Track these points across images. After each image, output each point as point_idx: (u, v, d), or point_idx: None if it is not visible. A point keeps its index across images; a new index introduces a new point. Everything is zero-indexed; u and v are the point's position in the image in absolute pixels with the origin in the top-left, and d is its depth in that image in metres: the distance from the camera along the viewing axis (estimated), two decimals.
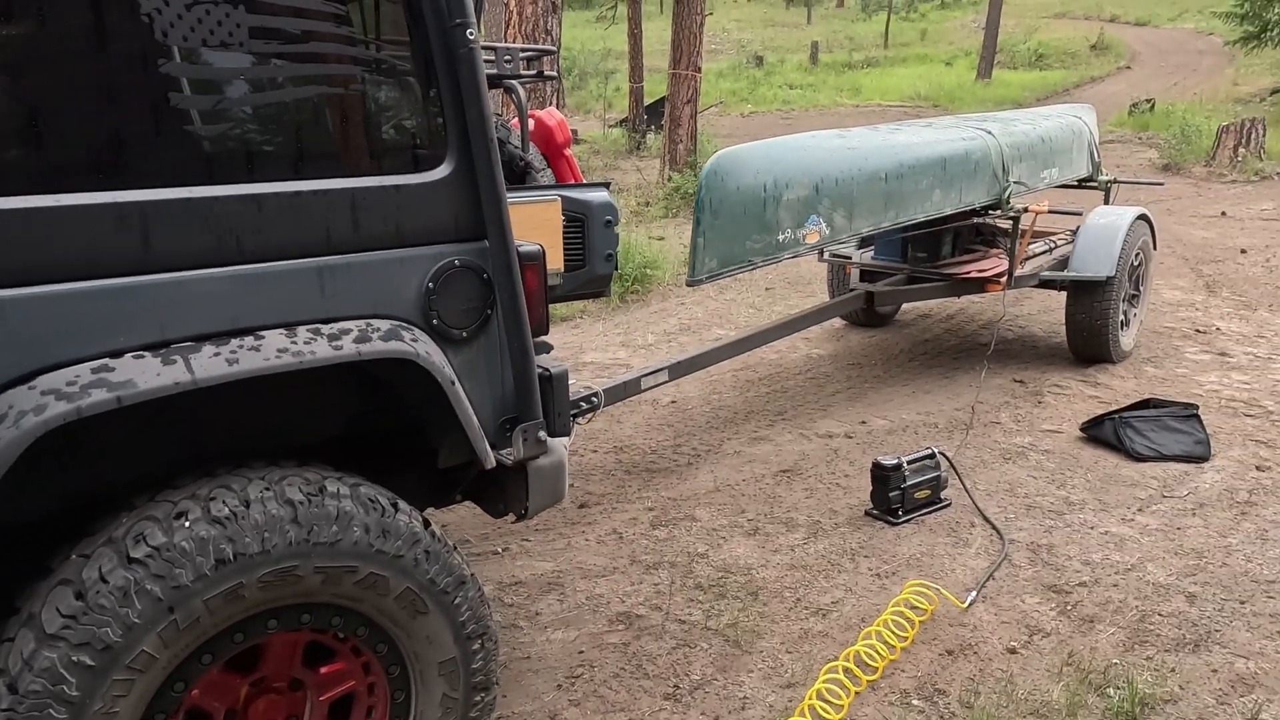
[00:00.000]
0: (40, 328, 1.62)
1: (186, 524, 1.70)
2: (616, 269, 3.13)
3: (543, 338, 2.33)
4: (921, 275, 5.39)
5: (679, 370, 4.07)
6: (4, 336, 1.59)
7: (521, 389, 2.19)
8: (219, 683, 1.83)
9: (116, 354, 1.69)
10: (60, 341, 1.64)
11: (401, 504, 1.98)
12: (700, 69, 11.57)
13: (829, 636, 2.96)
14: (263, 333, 1.83)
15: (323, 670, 1.97)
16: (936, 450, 3.86)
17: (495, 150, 2.07)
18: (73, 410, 1.58)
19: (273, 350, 1.80)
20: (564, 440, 2.37)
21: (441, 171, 2.05)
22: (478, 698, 2.10)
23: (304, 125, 1.93)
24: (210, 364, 1.73)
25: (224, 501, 1.75)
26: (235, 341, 1.79)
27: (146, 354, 1.71)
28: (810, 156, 4.11)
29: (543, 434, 2.23)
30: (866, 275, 5.65)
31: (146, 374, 1.67)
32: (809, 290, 7.52)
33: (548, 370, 2.29)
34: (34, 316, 1.61)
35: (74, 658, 1.58)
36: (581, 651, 2.89)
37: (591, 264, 3.01)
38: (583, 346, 6.13)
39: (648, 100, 15.69)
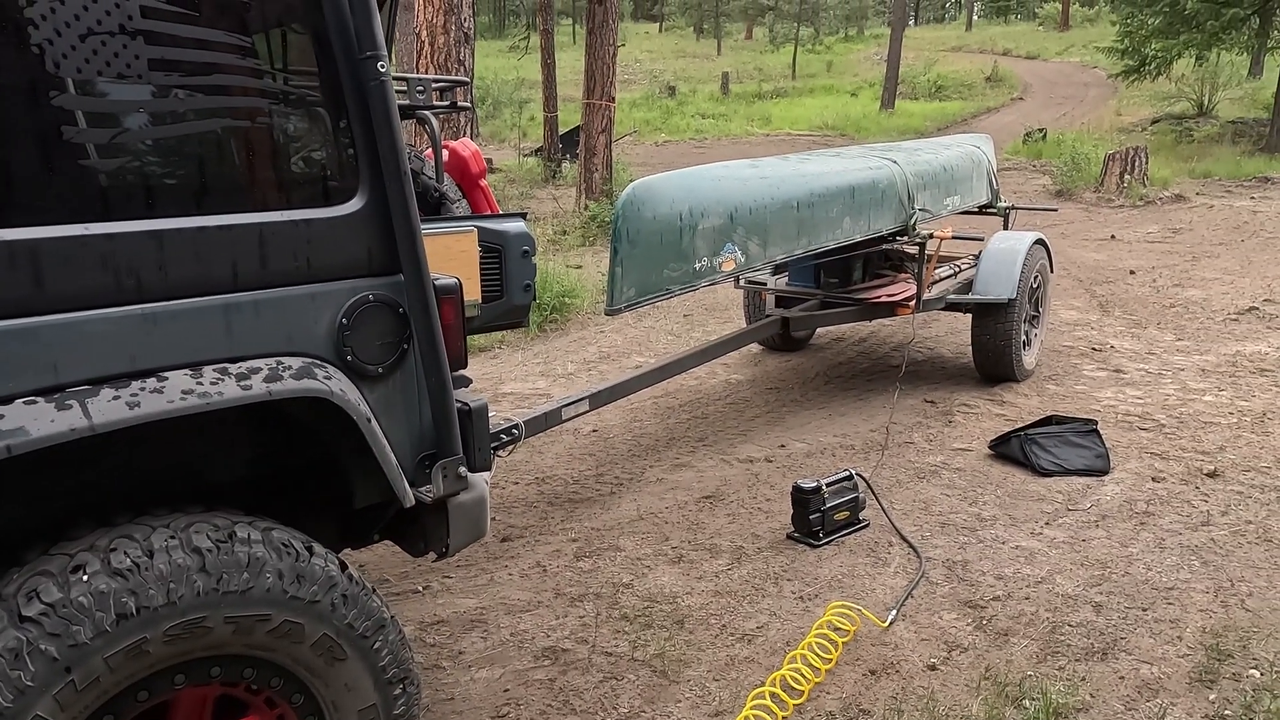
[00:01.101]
0: None
1: (84, 578, 1.61)
2: (535, 299, 3.13)
3: (461, 371, 2.30)
4: (834, 300, 5.52)
5: (600, 399, 4.07)
6: None
7: (440, 425, 2.15)
8: None
9: (6, 400, 1.60)
10: None
11: (317, 547, 1.92)
12: (614, 99, 11.69)
13: (755, 662, 2.97)
14: (166, 374, 1.76)
15: None
16: (854, 472, 3.94)
17: (409, 183, 2.05)
18: None
19: (177, 392, 1.73)
20: (485, 475, 2.34)
21: (353, 205, 2.01)
22: None
23: (207, 159, 1.87)
24: (109, 408, 1.65)
25: (125, 552, 1.66)
26: (136, 384, 1.71)
27: (39, 399, 1.62)
28: (724, 186, 4.18)
29: (463, 470, 2.20)
30: (782, 301, 5.76)
31: (40, 420, 1.58)
32: (726, 316, 7.62)
33: (467, 404, 2.26)
34: None
35: None
36: (507, 690, 2.84)
37: (509, 294, 2.99)
38: (501, 377, 6.07)
39: (562, 129, 15.77)
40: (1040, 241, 5.78)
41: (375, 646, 1.95)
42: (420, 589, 3.45)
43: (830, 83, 32.24)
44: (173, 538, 1.72)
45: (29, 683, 1.52)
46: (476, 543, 2.87)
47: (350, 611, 1.90)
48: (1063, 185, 14.20)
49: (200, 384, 1.76)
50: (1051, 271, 6.07)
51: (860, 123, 23.36)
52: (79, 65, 1.67)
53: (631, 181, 3.89)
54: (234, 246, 1.85)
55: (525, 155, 16.74)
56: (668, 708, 2.75)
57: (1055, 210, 8.34)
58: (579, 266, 9.03)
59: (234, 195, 1.89)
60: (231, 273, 1.85)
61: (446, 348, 2.14)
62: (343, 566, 1.95)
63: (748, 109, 26.85)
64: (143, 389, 1.71)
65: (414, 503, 2.10)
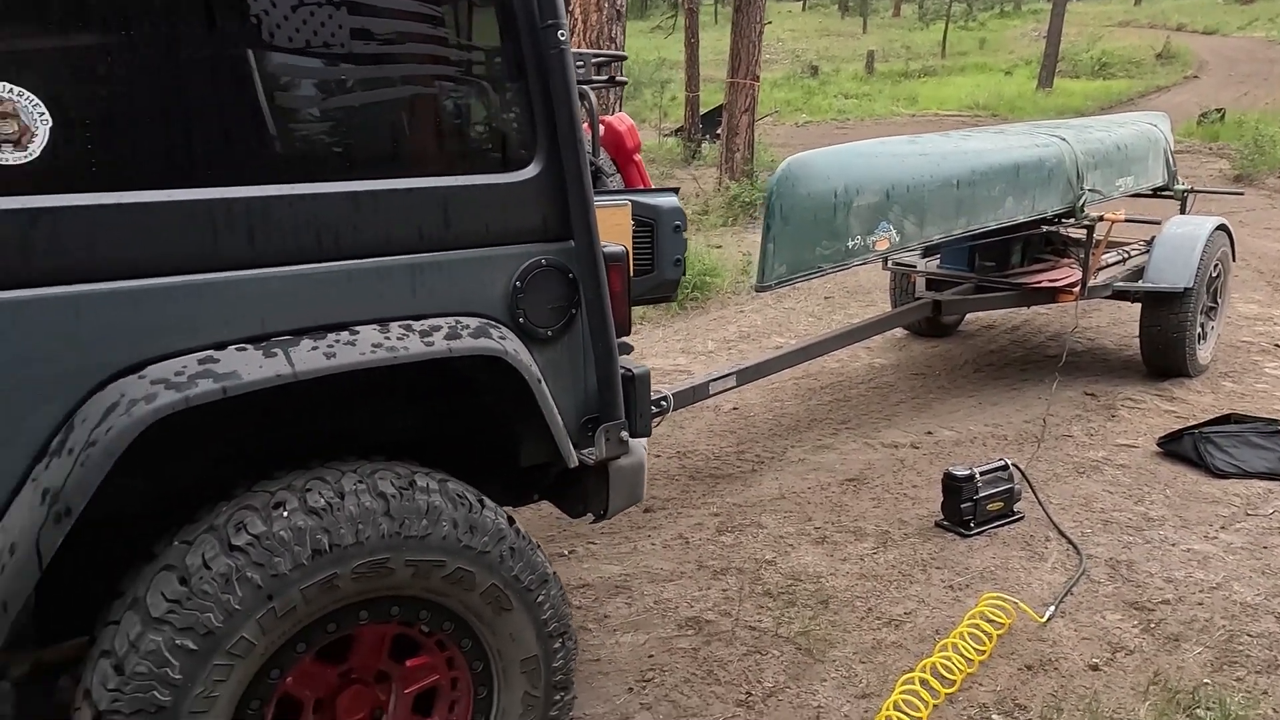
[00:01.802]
0: (150, 318, 1.67)
1: (285, 514, 1.73)
2: (684, 274, 3.13)
3: (624, 339, 2.34)
4: (990, 284, 5.30)
5: (747, 376, 4.05)
6: (117, 325, 1.64)
7: (605, 389, 2.19)
8: (311, 672, 1.86)
9: (220, 346, 1.73)
10: (168, 332, 1.69)
11: (488, 501, 2.00)
12: (759, 78, 11.54)
13: (903, 647, 2.91)
14: (357, 328, 1.86)
15: (408, 663, 1.98)
16: (1010, 462, 3.78)
17: (583, 150, 2.09)
18: (181, 399, 1.62)
19: (368, 345, 1.82)
20: (643, 441, 2.37)
21: (530, 171, 2.06)
22: (557, 697, 2.10)
23: (399, 125, 1.96)
24: (309, 357, 1.76)
25: (320, 493, 1.77)
26: (331, 336, 1.82)
27: (249, 347, 1.74)
28: (881, 163, 4.07)
29: (625, 434, 2.23)
30: (933, 284, 5.57)
31: (249, 366, 1.70)
32: (868, 300, 7.44)
33: (630, 371, 2.29)
34: (145, 307, 1.66)
35: (178, 641, 1.62)
36: (651, 655, 2.88)
37: (660, 269, 3.01)
38: (642, 352, 6.13)
39: (703, 109, 15.70)
40: (1223, 227, 5.36)
41: (539, 600, 2.01)
42: (566, 553, 3.54)
43: (983, 61, 30.80)
44: (360, 482, 1.82)
45: (237, 606, 1.65)
46: (632, 508, 2.91)
47: (517, 564, 1.97)
48: (1242, 170, 13.11)
49: (388, 338, 1.86)
50: (1234, 260, 5.63)
51: (1015, 102, 22.22)
52: (290, 34, 1.77)
53: (774, 161, 3.84)
54: (420, 209, 1.93)
55: (665, 135, 16.76)
56: (813, 685, 2.73)
57: (1240, 194, 7.71)
58: (719, 246, 9.00)
59: (421, 160, 1.97)
60: (417, 234, 1.93)
61: (613, 314, 2.18)
62: (510, 521, 2.02)
63: (893, 89, 25.99)
64: (337, 341, 1.81)
65: (577, 464, 2.15)
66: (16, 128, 1.55)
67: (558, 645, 2.07)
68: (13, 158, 1.55)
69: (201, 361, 1.68)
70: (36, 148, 1.56)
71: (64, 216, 1.58)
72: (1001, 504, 3.71)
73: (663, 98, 20.26)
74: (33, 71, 1.56)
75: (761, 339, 6.49)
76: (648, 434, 2.35)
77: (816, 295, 7.57)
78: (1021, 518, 3.76)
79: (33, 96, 1.55)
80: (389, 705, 1.98)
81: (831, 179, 3.85)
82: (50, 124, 1.57)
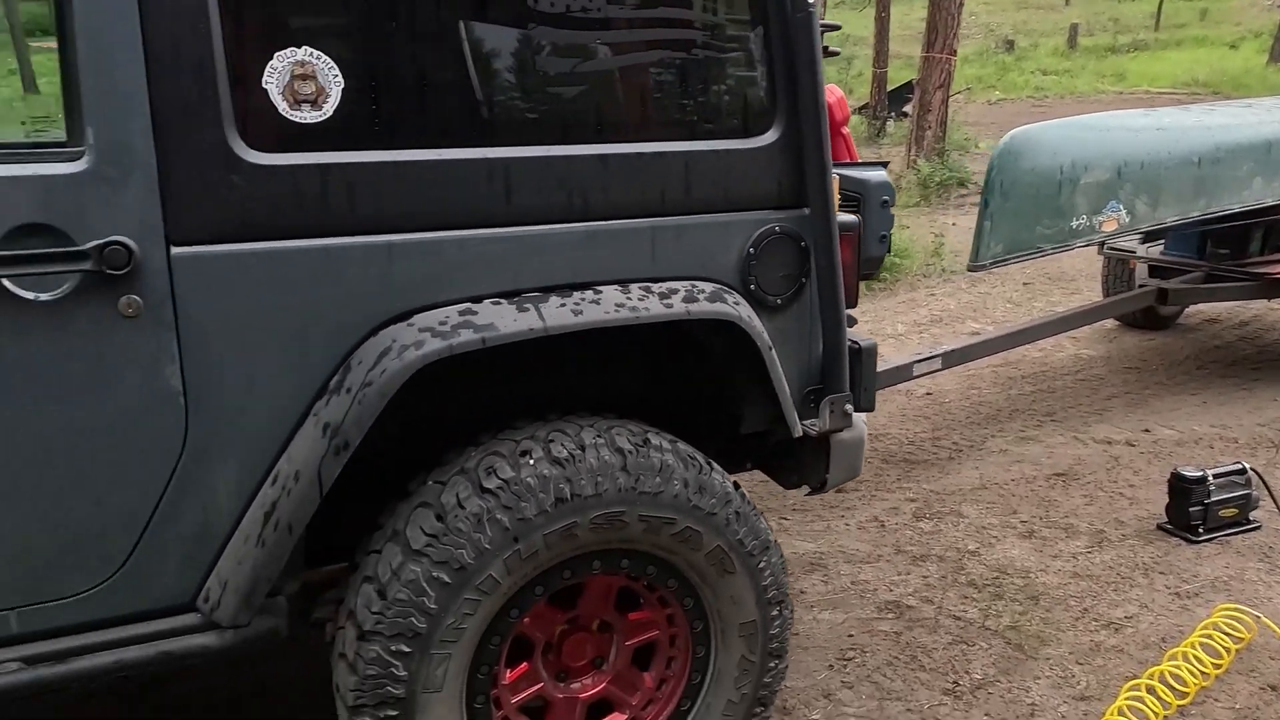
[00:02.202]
0: (419, 270, 1.77)
1: (531, 462, 1.80)
2: (889, 251, 3.04)
3: (850, 311, 2.29)
4: (1224, 274, 4.86)
5: (953, 359, 3.90)
6: (391, 276, 1.75)
7: (832, 360, 2.16)
8: (544, 615, 1.94)
9: (477, 299, 1.82)
10: (433, 284, 1.79)
11: (715, 464, 2.01)
12: (955, 52, 11.01)
13: (1124, 653, 2.73)
14: (600, 288, 1.91)
15: (631, 616, 2.04)
16: (1247, 467, 3.47)
17: (824, 117, 2.05)
18: (445, 348, 1.72)
19: (611, 304, 1.87)
20: (864, 416, 2.33)
21: (769, 137, 2.05)
22: (772, 664, 2.10)
23: (647, 89, 1.99)
24: (558, 313, 1.82)
25: (562, 444, 1.84)
26: (577, 294, 1.87)
27: (502, 301, 1.82)
28: (1113, 137, 3.80)
29: (849, 407, 2.20)
30: (1156, 271, 5.16)
31: (505, 319, 1.78)
32: (1072, 287, 6.99)
33: (857, 343, 2.25)
34: (416, 259, 1.76)
35: (434, 574, 1.72)
36: (851, 635, 2.84)
37: (865, 244, 2.93)
38: None
39: (890, 86, 15.16)
40: None
41: (760, 566, 2.02)
42: None
43: (1203, 33, 28.11)
44: (599, 437, 1.88)
45: (487, 545, 1.74)
46: (841, 485, 2.85)
47: (742, 528, 1.98)
48: None
49: (629, 299, 1.90)
50: None
51: (1240, 79, 20.18)
52: (551, 1, 1.83)
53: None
54: (664, 173, 1.95)
55: (851, 112, 16.30)
56: (1025, 682, 2.61)
57: None
58: (907, 227, 8.67)
59: (667, 125, 1.99)
60: (660, 198, 1.96)
61: (843, 285, 2.14)
62: (736, 486, 2.03)
63: (1098, 64, 24.16)
64: (583, 299, 1.87)
65: (801, 434, 2.14)
66: (314, 89, 1.68)
67: (775, 613, 2.07)
68: (309, 116, 1.68)
69: (461, 313, 1.77)
70: (330, 108, 1.69)
71: (351, 172, 1.70)
72: (1236, 510, 3.41)
73: (848, 74, 19.72)
74: (329, 36, 1.68)
75: (955, 324, 6.23)
76: (871, 409, 2.30)
77: (1014, 280, 7.19)
78: (1259, 527, 3.44)
79: (329, 60, 1.68)
80: (609, 655, 2.05)
81: (1058, 153, 3.63)
82: (342, 86, 1.69)
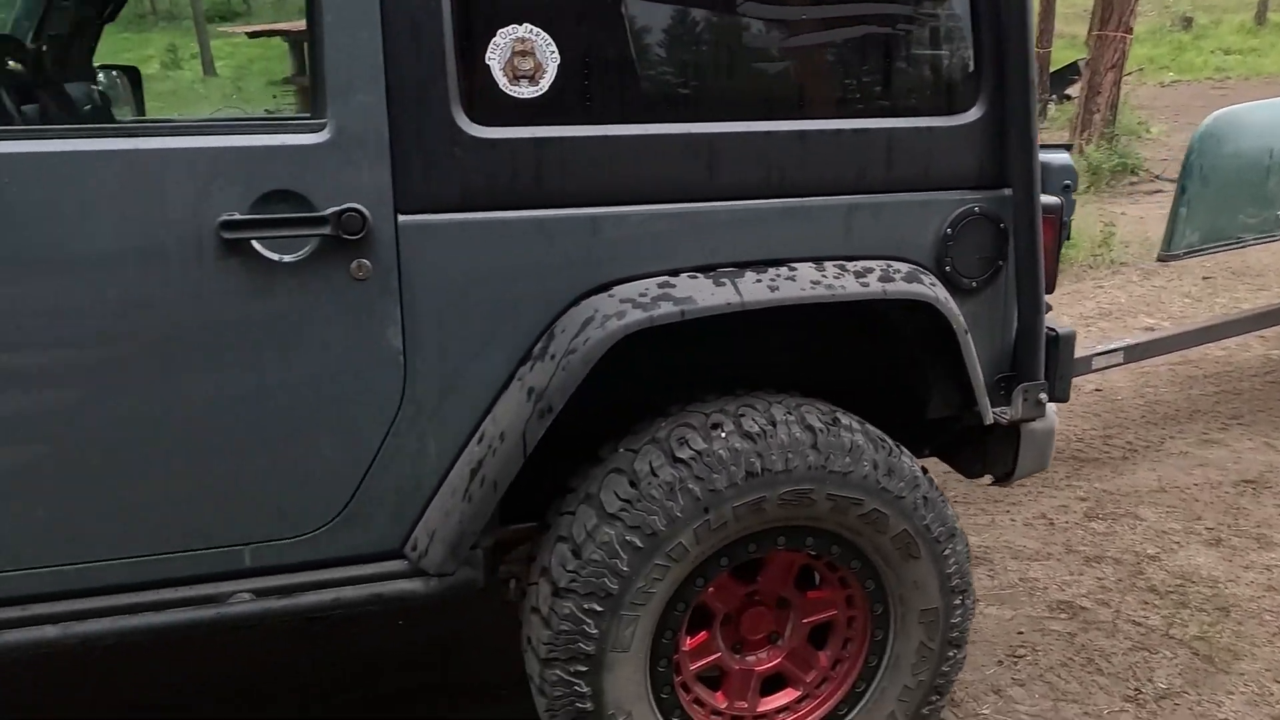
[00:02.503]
0: (621, 242, 1.82)
1: (723, 435, 1.83)
2: (1069, 238, 2.89)
3: (1047, 297, 2.20)
4: None
5: (1135, 353, 3.70)
6: (595, 247, 1.80)
7: (1027, 347, 2.09)
8: (727, 587, 1.97)
9: (674, 273, 1.85)
10: (633, 257, 1.83)
11: (903, 448, 1.99)
12: (1131, 30, 10.34)
13: None
14: (795, 264, 1.90)
15: (810, 595, 2.04)
16: None
17: (1033, 94, 1.98)
18: (646, 319, 1.75)
19: (806, 281, 1.87)
20: (1055, 407, 2.24)
21: (972, 114, 1.99)
22: (951, 653, 2.07)
23: (849, 65, 1.97)
24: (754, 288, 1.83)
25: (753, 419, 1.86)
26: (773, 270, 1.88)
27: (699, 275, 1.85)
28: None
29: (1043, 396, 2.12)
30: None
31: (702, 292, 1.81)
32: (1259, 283, 6.48)
33: (1055, 330, 2.16)
34: (619, 232, 1.81)
35: (627, 537, 1.77)
36: (1021, 632, 2.75)
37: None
38: None
39: (1053, 67, 14.38)
40: None
41: (945, 553, 1.98)
42: None
43: None
44: (789, 414, 1.88)
45: (678, 514, 1.78)
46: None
47: (929, 514, 1.95)
48: None
49: (824, 276, 1.89)
50: None
51: None
52: None
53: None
54: (864, 150, 1.93)
55: None
56: (1217, 696, 2.46)
57: None
58: (1073, 216, 8.24)
59: (868, 100, 1.97)
60: (858, 175, 1.94)
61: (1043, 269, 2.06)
62: (924, 470, 1.99)
63: None
64: (778, 275, 1.87)
65: (991, 422, 2.08)
66: (533, 64, 1.74)
67: (958, 601, 2.03)
68: (527, 92, 1.75)
69: (660, 285, 1.81)
70: (546, 83, 1.75)
71: (563, 146, 1.75)
72: None
73: None
74: (547, 13, 1.74)
75: (1126, 318, 5.89)
76: (1065, 399, 2.21)
77: (1193, 274, 6.72)
78: None
79: (547, 36, 1.74)
80: (785, 631, 2.06)
81: (1265, 136, 3.37)
82: (558, 62, 1.75)
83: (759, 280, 1.85)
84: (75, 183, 1.57)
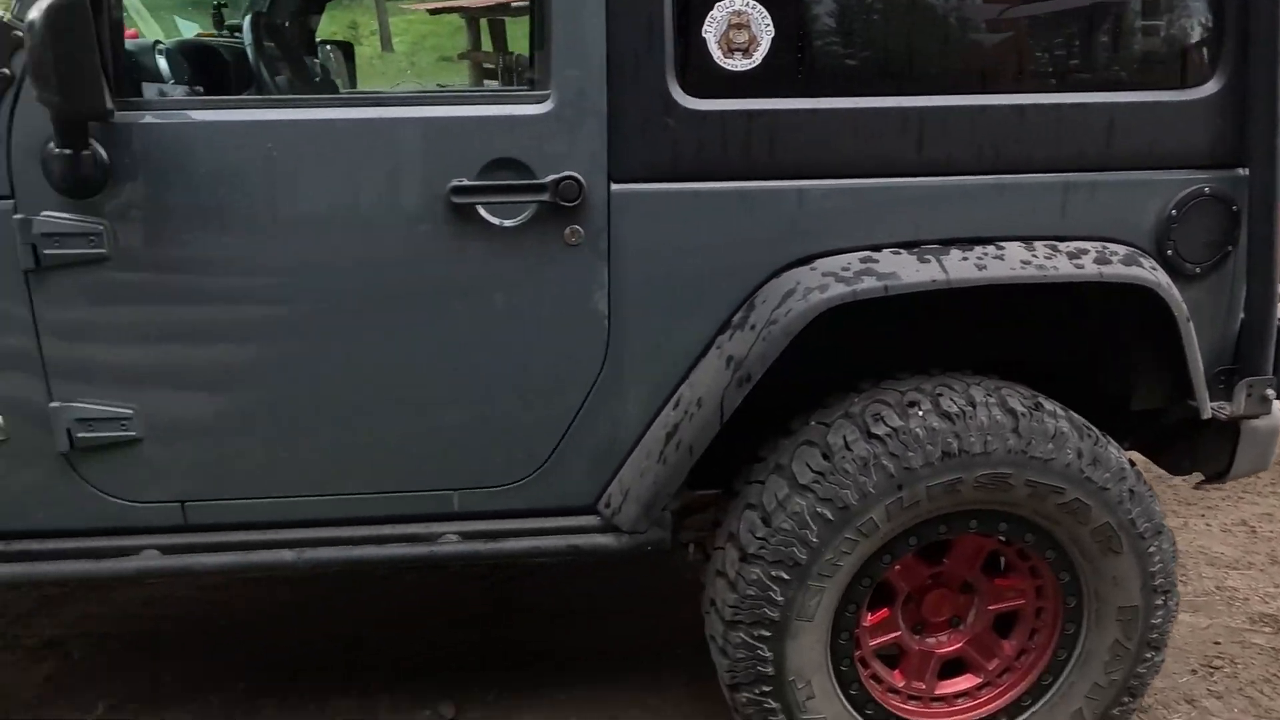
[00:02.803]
0: (825, 216, 1.82)
1: (919, 413, 1.81)
2: None
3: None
4: None
5: None
6: (799, 220, 1.81)
7: (1256, 339, 1.95)
8: (912, 566, 1.96)
9: (877, 248, 1.83)
10: (836, 230, 1.83)
11: (1109, 437, 1.91)
12: None
13: None
14: (1003, 243, 1.85)
15: (997, 581, 2.00)
16: None
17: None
18: (849, 293, 1.75)
19: (1016, 261, 1.81)
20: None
21: (1209, 88, 1.86)
22: (1148, 655, 1.98)
23: (1072, 36, 1.89)
24: (960, 266, 1.79)
25: (951, 399, 1.83)
26: (979, 249, 1.83)
27: (902, 251, 1.83)
28: None
29: (1270, 392, 1.98)
30: None
31: (906, 269, 1.79)
32: None
33: None
34: (823, 205, 1.81)
35: (818, 509, 1.79)
36: (1218, 643, 2.60)
37: None
38: None
39: None
40: None
41: (1150, 550, 1.90)
42: None
43: None
44: (989, 396, 1.84)
45: (871, 489, 1.78)
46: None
47: (1135, 508, 1.87)
48: None
49: (1034, 256, 1.82)
50: None
51: None
52: None
53: None
54: (1084, 126, 1.85)
55: None
56: None
57: None
58: None
59: (1091, 73, 1.88)
60: (1076, 152, 1.86)
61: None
62: (1131, 463, 1.91)
63: None
64: (985, 254, 1.82)
65: (1209, 416, 1.96)
66: (747, 37, 1.76)
67: (1160, 602, 1.94)
68: (740, 64, 1.77)
69: (863, 260, 1.80)
70: (759, 56, 1.76)
71: (772, 118, 1.77)
72: None
73: None
74: None
75: None
76: None
77: None
78: None
79: (762, 9, 1.75)
80: (968, 616, 2.03)
81: None
82: (772, 35, 1.76)
83: (965, 258, 1.81)
84: (324, 148, 1.71)
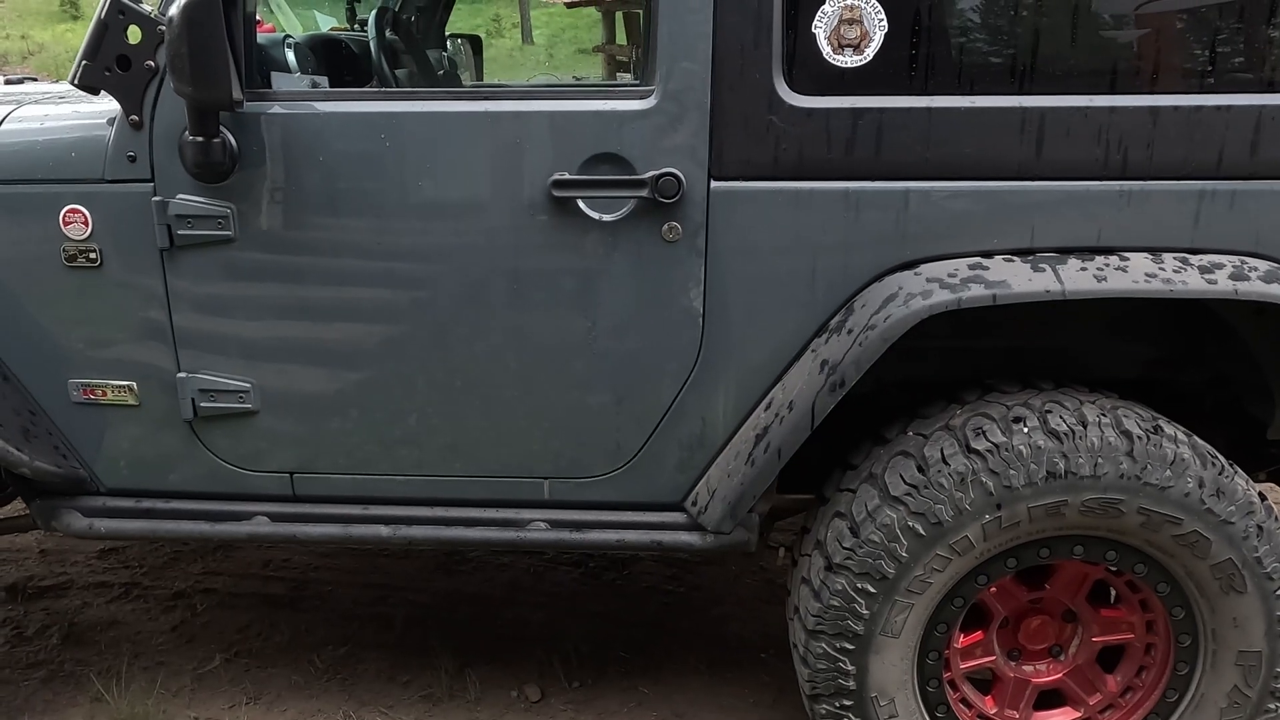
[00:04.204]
0: (933, 220, 1.75)
1: (1025, 430, 1.72)
2: None
3: None
4: None
5: None
6: (905, 223, 1.75)
7: None
8: (1010, 590, 1.87)
9: (988, 254, 1.75)
10: (945, 235, 1.76)
11: (1237, 468, 1.77)
12: None
13: None
14: (1126, 254, 1.74)
15: (1104, 612, 1.89)
16: None
17: None
18: (954, 300, 1.68)
19: (1140, 273, 1.70)
20: None
21: None
22: (1272, 705, 1.83)
23: (1217, 32, 1.75)
24: (1078, 277, 1.70)
25: (1060, 417, 1.73)
26: (1100, 259, 1.73)
27: (1015, 259, 1.74)
28: None
29: None
30: None
31: (1018, 277, 1.70)
32: None
33: None
34: (931, 208, 1.75)
35: (910, 523, 1.73)
36: None
37: None
38: None
39: None
40: None
41: (1278, 592, 1.75)
42: None
43: None
44: (1103, 415, 1.73)
45: (967, 506, 1.71)
46: None
47: (1263, 546, 1.73)
48: None
49: (1162, 269, 1.71)
50: None
51: None
52: None
53: None
54: (1226, 130, 1.71)
55: None
56: None
57: None
58: None
59: (1237, 73, 1.74)
60: (1216, 158, 1.72)
61: None
62: (1262, 497, 1.77)
63: None
64: (1106, 265, 1.72)
65: None
66: (859, 33, 1.71)
67: None
68: (850, 60, 1.72)
69: (971, 267, 1.73)
70: (871, 52, 1.71)
71: (881, 116, 1.71)
72: None
73: None
74: None
75: None
76: None
77: None
78: None
79: (876, 3, 1.69)
80: (1069, 646, 1.93)
81: None
82: (886, 30, 1.70)
83: (1084, 269, 1.71)
84: (434, 140, 1.77)
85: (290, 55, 2.21)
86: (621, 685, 2.47)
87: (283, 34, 2.37)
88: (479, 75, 3.56)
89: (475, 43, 3.54)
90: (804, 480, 2.02)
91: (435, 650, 2.57)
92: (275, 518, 1.97)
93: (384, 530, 1.95)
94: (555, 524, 1.95)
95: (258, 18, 2.05)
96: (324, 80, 2.15)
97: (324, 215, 1.81)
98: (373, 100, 1.84)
